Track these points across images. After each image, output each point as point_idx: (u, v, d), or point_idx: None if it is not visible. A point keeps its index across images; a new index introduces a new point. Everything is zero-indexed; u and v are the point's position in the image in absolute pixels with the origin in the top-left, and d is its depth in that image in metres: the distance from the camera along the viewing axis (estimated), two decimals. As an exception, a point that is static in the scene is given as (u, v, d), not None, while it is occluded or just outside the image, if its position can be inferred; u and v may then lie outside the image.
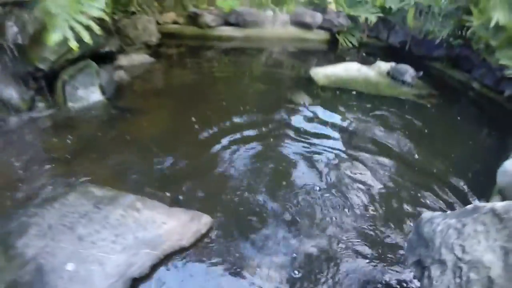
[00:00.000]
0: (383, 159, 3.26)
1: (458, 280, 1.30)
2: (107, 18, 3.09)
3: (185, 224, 2.21)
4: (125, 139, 3.20)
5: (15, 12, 3.66)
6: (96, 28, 2.92)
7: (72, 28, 2.86)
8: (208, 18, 6.76)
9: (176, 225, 2.19)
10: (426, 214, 1.59)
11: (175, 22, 7.05)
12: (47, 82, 3.66)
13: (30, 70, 3.54)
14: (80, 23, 2.88)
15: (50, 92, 3.68)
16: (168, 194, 2.55)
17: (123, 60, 4.95)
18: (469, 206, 1.51)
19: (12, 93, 3.42)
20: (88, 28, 2.90)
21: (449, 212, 1.55)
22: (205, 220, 2.29)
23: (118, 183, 2.60)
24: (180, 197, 2.54)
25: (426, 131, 3.96)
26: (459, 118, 4.56)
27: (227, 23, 7.06)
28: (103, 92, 3.89)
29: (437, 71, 6.79)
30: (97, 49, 4.05)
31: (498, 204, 1.41)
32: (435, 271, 1.37)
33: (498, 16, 4.98)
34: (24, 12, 3.72)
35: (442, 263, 1.37)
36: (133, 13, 5.32)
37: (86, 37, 2.85)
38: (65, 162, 2.85)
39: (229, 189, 2.69)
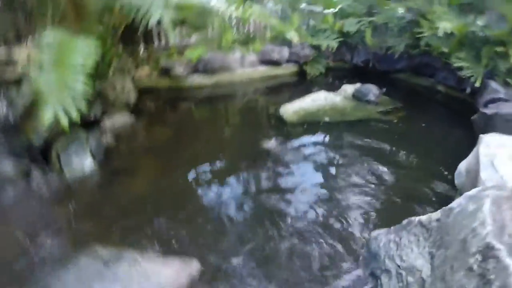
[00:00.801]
0: (351, 181, 3.55)
1: (400, 284, 1.59)
2: (90, 90, 3.38)
3: (179, 270, 2.52)
4: (120, 201, 3.44)
5: (3, 90, 3.96)
6: (83, 104, 3.22)
7: (62, 107, 3.15)
8: (178, 69, 7.06)
9: (171, 271, 2.50)
10: (374, 232, 1.89)
11: (149, 76, 7.40)
12: (41, 153, 3.93)
13: (25, 144, 3.83)
14: (69, 102, 3.17)
15: (45, 161, 3.92)
16: (163, 245, 2.82)
17: (106, 122, 5.15)
18: (404, 221, 1.82)
19: (7, 166, 3.66)
20: (75, 106, 3.19)
21: (391, 228, 1.85)
22: (195, 265, 2.59)
23: (119, 241, 2.86)
24: (173, 246, 2.82)
25: (393, 148, 4.21)
26: (424, 125, 4.89)
27: (197, 72, 7.30)
28: (94, 157, 4.12)
29: (402, 82, 7.21)
30: (83, 117, 4.31)
31: (423, 217, 1.72)
32: (384, 279, 1.67)
33: (445, 25, 5.44)
34: (11, 90, 4.02)
35: (388, 272, 1.67)
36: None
37: (75, 113, 3.14)
38: (69, 227, 3.09)
39: (215, 234, 2.96)
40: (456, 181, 2.91)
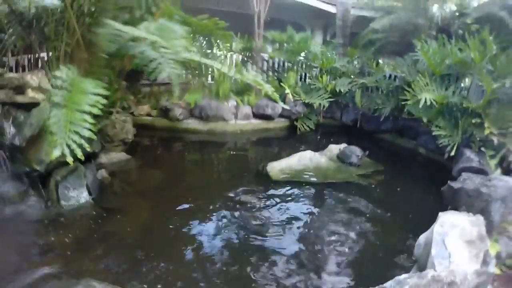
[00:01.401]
0: (322, 240, 3.77)
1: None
2: (94, 136, 3.67)
3: None
4: (112, 238, 3.62)
5: (12, 113, 4.17)
6: (86, 146, 3.51)
7: (68, 146, 3.43)
8: (176, 111, 7.47)
9: None
10: None
11: (148, 114, 7.75)
12: (41, 179, 4.12)
13: (27, 170, 4.02)
14: (75, 142, 3.47)
15: (43, 188, 4.11)
16: (151, 285, 2.95)
17: (103, 158, 5.41)
18: None
19: (8, 187, 3.86)
20: (80, 146, 3.49)
21: None
22: None
23: (110, 278, 2.98)
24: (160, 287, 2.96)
25: (366, 213, 4.39)
26: (399, 190, 5.18)
27: (193, 116, 7.71)
28: (89, 192, 4.32)
29: (386, 142, 7.63)
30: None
31: None
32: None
33: (426, 97, 5.87)
34: (20, 114, 4.24)
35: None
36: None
37: (79, 153, 3.43)
38: (62, 257, 3.22)
39: (199, 277, 3.13)
40: (415, 252, 3.14)
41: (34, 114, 4.31)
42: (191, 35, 6.72)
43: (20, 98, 4.43)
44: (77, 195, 4.23)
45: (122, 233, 3.75)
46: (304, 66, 9.57)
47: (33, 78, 5.35)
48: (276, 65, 10.04)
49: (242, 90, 8.33)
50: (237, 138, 7.69)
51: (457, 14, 8.59)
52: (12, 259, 3.12)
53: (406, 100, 6.36)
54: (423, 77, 6.27)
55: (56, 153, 3.38)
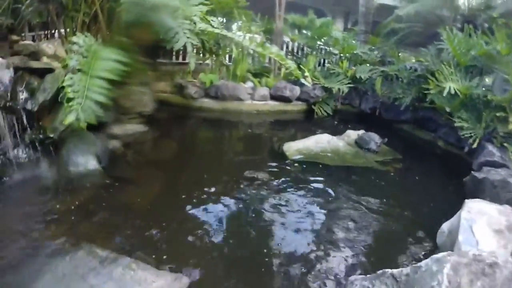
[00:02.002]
0: (337, 224, 3.63)
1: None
2: (109, 103, 3.60)
3: (169, 284, 2.60)
4: (119, 207, 3.55)
5: (26, 78, 4.13)
6: (100, 112, 3.45)
7: (83, 111, 3.38)
8: (191, 90, 7.41)
9: (162, 283, 2.58)
10: (352, 277, 2.15)
11: (164, 91, 7.70)
12: (52, 145, 4.11)
13: (42, 138, 4.03)
14: (90, 108, 3.41)
15: (54, 154, 4.10)
16: (155, 256, 2.89)
17: (117, 129, 5.27)
18: (379, 272, 2.11)
19: (20, 152, 3.88)
20: (94, 112, 3.43)
21: (367, 275, 2.14)
22: (185, 281, 2.67)
23: (113, 246, 2.93)
24: (165, 259, 2.88)
25: (384, 199, 4.24)
26: (418, 179, 5.04)
27: (209, 95, 7.63)
28: (99, 161, 4.27)
29: (405, 133, 7.46)
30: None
31: (395, 270, 2.02)
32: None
33: (450, 86, 5.70)
34: (34, 79, 4.20)
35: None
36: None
37: (93, 120, 3.37)
38: (67, 222, 3.18)
39: (207, 252, 3.04)
40: (437, 239, 3.06)
41: (48, 80, 4.28)
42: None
43: (34, 64, 4.39)
44: (86, 162, 4.18)
45: (130, 202, 3.68)
46: (323, 52, 9.44)
47: (49, 46, 5.31)
48: (295, 49, 9.89)
49: (260, 71, 8.21)
50: (253, 118, 7.62)
51: (482, 7, 8.36)
52: (17, 225, 3.09)
53: (428, 89, 6.19)
54: (448, 66, 6.08)
55: (71, 118, 3.34)
